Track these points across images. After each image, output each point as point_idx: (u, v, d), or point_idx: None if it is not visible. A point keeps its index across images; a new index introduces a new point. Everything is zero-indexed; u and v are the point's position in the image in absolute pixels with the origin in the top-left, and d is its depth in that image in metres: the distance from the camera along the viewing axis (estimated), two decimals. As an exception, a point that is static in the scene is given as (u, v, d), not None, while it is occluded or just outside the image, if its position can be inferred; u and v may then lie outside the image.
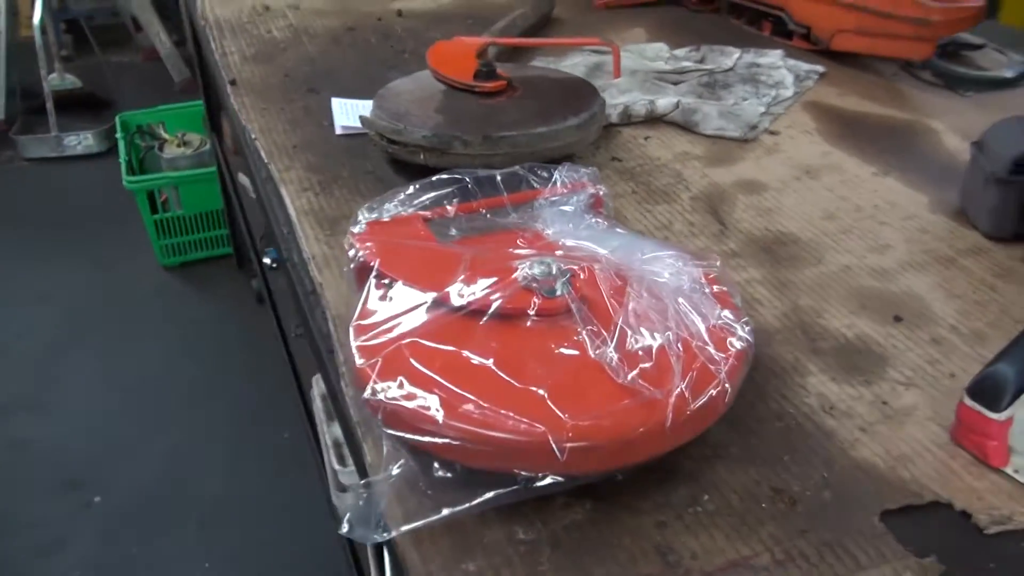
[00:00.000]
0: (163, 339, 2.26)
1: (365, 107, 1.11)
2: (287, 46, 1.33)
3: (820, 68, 1.20)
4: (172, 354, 2.21)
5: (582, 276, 0.64)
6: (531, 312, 0.61)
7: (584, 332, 0.59)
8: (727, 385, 0.58)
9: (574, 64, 1.21)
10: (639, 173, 0.97)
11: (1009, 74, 1.20)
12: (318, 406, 1.23)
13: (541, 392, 0.55)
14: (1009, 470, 0.59)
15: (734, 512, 0.57)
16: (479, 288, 0.63)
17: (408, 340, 0.60)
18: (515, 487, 0.54)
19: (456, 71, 1.01)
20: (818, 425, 0.64)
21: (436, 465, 0.56)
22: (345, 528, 0.55)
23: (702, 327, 0.62)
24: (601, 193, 0.78)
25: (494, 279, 0.63)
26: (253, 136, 1.07)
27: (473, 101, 0.97)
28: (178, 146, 2.46)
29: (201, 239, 2.47)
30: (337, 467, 1.12)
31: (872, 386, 0.67)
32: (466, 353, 0.59)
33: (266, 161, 1.01)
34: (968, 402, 0.59)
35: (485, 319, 0.61)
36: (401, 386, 0.57)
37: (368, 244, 0.70)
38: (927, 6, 1.10)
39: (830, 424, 0.64)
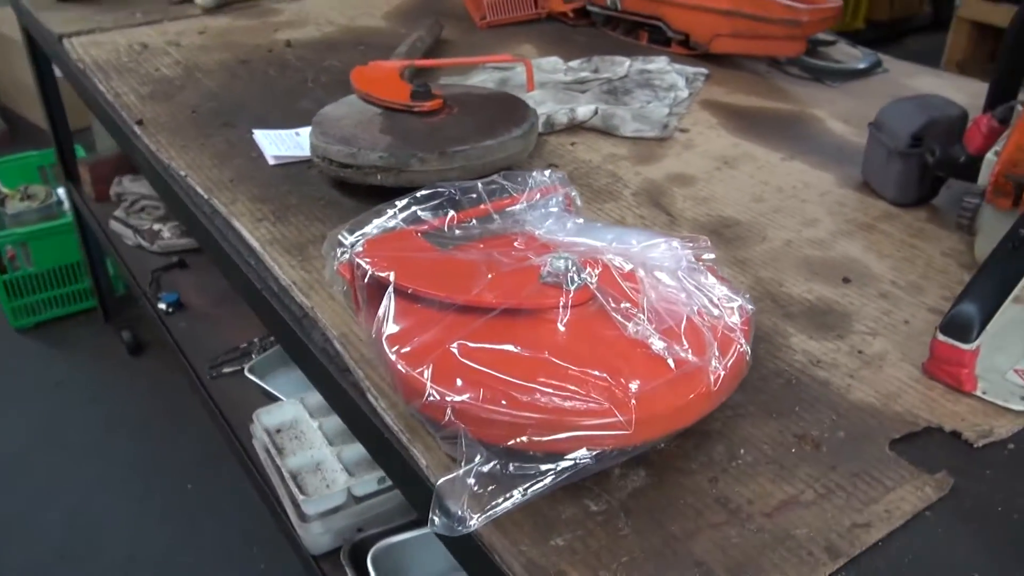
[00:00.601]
0: (31, 406, 2.12)
1: (290, 136, 1.12)
2: (183, 83, 1.30)
3: (704, 70, 1.31)
4: (44, 420, 2.07)
5: (598, 267, 0.69)
6: (564, 304, 0.65)
7: (618, 315, 0.64)
8: (747, 348, 0.65)
9: (482, 81, 1.26)
10: (578, 176, 1.03)
11: (862, 65, 1.35)
12: (263, 441, 1.21)
13: (601, 373, 0.60)
14: (979, 392, 0.69)
15: (770, 460, 0.64)
16: (506, 289, 0.67)
17: (455, 344, 0.63)
18: (587, 462, 0.59)
19: (390, 93, 1.03)
20: (813, 377, 0.72)
21: (505, 454, 0.59)
22: (436, 522, 0.57)
23: (711, 300, 0.68)
24: (572, 194, 0.84)
25: (518, 279, 0.68)
26: (182, 173, 1.05)
27: (415, 120, 1.00)
28: (21, 200, 2.31)
29: (57, 295, 2.33)
30: (301, 498, 1.11)
31: (845, 339, 0.76)
32: (515, 348, 0.63)
33: (206, 197, 1.00)
34: (942, 338, 0.68)
35: (520, 316, 0.65)
36: (462, 386, 0.60)
37: (377, 260, 0.72)
38: (796, 8, 1.23)
39: (822, 375, 0.72)
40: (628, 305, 0.65)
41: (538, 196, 0.82)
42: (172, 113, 1.20)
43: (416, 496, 0.66)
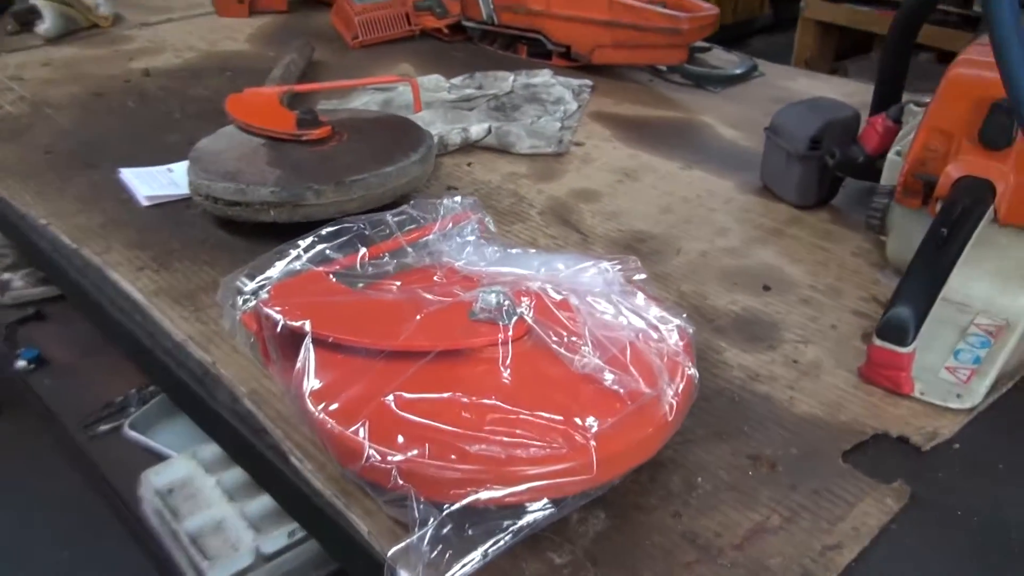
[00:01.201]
0: None
1: (163, 173, 1.03)
2: (31, 121, 1.19)
3: (589, 82, 1.30)
4: None
5: (531, 298, 0.65)
6: (503, 341, 0.61)
7: (561, 349, 0.60)
8: (694, 371, 0.62)
9: (365, 103, 1.21)
10: (480, 198, 0.98)
11: (739, 70, 1.37)
12: (154, 505, 1.11)
13: (554, 415, 0.56)
14: (916, 393, 0.69)
15: (729, 486, 0.61)
16: (436, 329, 0.62)
17: (390, 396, 0.58)
18: (549, 512, 0.54)
19: (273, 122, 0.97)
20: (754, 393, 0.70)
21: (459, 512, 0.54)
22: (394, 599, 0.52)
23: (650, 324, 0.65)
24: (486, 220, 0.79)
25: (447, 317, 0.63)
26: (43, 222, 0.95)
27: (303, 150, 0.94)
28: None
29: None
30: (204, 563, 1.01)
31: (778, 349, 0.75)
32: (457, 395, 0.58)
33: (75, 247, 0.90)
34: (879, 343, 0.68)
35: (457, 359, 0.60)
36: (404, 442, 0.55)
37: (288, 308, 0.66)
38: (676, 17, 1.23)
39: (763, 389, 0.70)
40: (574, 338, 0.61)
41: (451, 224, 0.78)
42: (21, 155, 1.09)
43: (360, 567, 0.59)
